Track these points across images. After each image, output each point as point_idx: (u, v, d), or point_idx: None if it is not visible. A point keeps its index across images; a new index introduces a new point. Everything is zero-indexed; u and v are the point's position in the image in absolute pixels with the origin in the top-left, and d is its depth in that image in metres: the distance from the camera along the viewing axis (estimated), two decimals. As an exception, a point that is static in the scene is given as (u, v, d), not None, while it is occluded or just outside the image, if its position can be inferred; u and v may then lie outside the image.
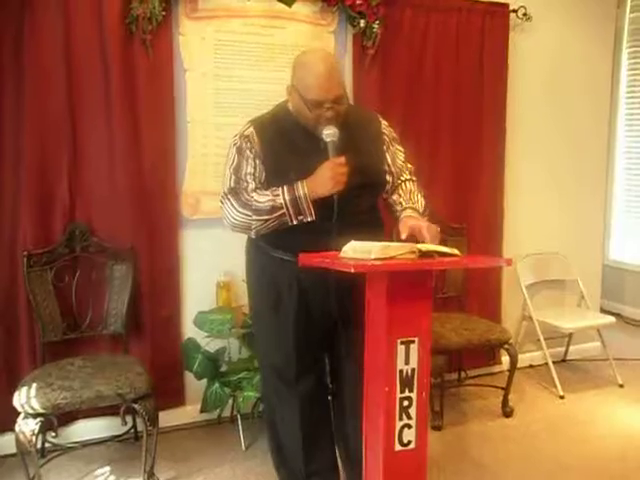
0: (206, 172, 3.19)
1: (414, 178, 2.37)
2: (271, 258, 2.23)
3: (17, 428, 2.46)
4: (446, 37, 3.66)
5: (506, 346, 3.43)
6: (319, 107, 2.06)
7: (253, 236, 2.20)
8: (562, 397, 3.71)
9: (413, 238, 2.02)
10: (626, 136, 5.39)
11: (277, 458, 2.48)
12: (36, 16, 2.81)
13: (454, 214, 3.75)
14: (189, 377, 3.22)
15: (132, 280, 3.01)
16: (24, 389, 2.48)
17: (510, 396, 3.49)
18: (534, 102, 4.01)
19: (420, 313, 1.87)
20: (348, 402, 2.30)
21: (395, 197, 2.29)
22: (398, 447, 1.86)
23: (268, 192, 2.11)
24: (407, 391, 1.86)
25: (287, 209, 2.07)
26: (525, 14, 3.84)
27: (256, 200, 2.11)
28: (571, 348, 4.29)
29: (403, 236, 2.03)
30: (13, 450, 2.60)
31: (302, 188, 2.06)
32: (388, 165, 2.30)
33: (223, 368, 3.19)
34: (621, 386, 3.87)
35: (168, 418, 3.14)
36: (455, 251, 1.91)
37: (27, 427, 2.41)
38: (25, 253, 2.81)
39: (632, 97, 5.32)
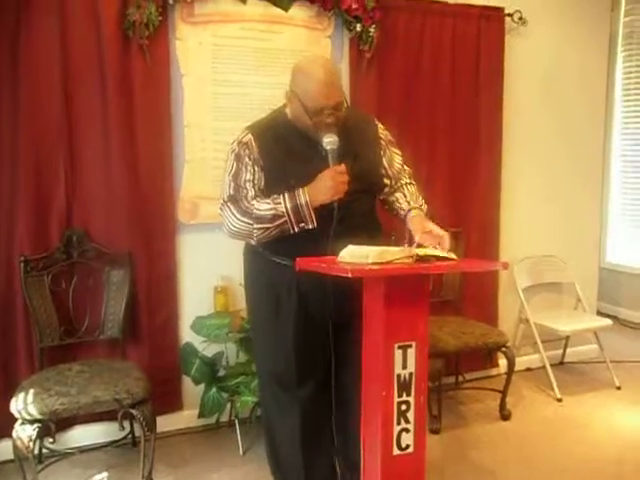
0: (203, 177, 3.19)
1: (413, 182, 2.38)
2: (269, 263, 2.23)
3: (14, 434, 2.45)
4: (442, 41, 3.67)
5: (503, 349, 3.43)
6: (319, 114, 2.07)
7: (254, 243, 2.20)
8: (560, 400, 3.71)
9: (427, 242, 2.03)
10: (622, 139, 5.41)
11: (275, 464, 2.47)
12: (32, 22, 2.81)
13: (451, 218, 3.74)
14: (187, 382, 3.22)
15: (129, 285, 3.01)
16: (21, 395, 2.48)
17: (508, 399, 3.49)
18: (530, 105, 4.03)
19: (417, 317, 1.88)
20: (347, 407, 2.29)
21: (399, 195, 2.32)
22: (396, 451, 1.87)
23: (269, 200, 2.11)
24: (405, 395, 1.87)
25: (289, 217, 2.08)
26: (520, 18, 3.85)
27: (257, 208, 2.11)
28: (568, 351, 4.30)
29: (417, 237, 2.05)
30: (10, 456, 2.61)
31: (303, 196, 2.07)
32: (385, 168, 2.31)
33: (221, 373, 3.19)
34: (618, 388, 3.88)
35: (166, 423, 3.13)
36: (452, 255, 1.92)
37: (24, 433, 2.41)
38: (22, 259, 2.81)
39: (627, 100, 5.34)
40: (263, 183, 2.17)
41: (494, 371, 4.04)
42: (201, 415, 3.16)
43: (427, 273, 1.91)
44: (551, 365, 3.92)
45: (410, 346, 1.86)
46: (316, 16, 3.34)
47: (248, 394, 3.01)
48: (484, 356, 3.89)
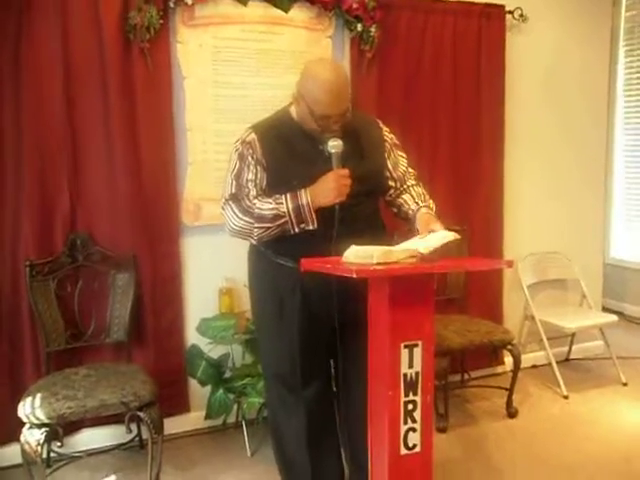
0: (206, 179, 3.19)
1: (420, 184, 2.38)
2: (273, 264, 2.23)
3: (22, 438, 2.46)
4: (443, 39, 3.67)
5: (509, 347, 3.43)
6: (325, 120, 2.08)
7: (254, 242, 2.21)
8: (566, 397, 3.71)
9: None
10: (624, 134, 5.40)
11: (282, 464, 2.48)
12: (34, 26, 2.82)
13: (454, 216, 3.73)
14: (193, 384, 3.23)
15: (134, 288, 3.02)
16: (29, 399, 2.48)
17: (514, 397, 3.49)
18: (532, 102, 4.02)
19: (423, 316, 1.88)
20: (353, 406, 2.30)
21: (406, 197, 2.32)
22: (404, 451, 1.87)
23: (271, 200, 2.12)
24: (411, 395, 1.87)
25: (290, 217, 2.08)
26: (521, 15, 3.85)
27: (258, 207, 2.12)
28: (574, 347, 4.29)
29: (419, 237, 2.07)
30: (19, 460, 2.61)
31: (305, 197, 2.08)
32: (389, 171, 2.31)
33: (227, 374, 3.19)
34: (625, 384, 3.87)
35: (173, 425, 3.14)
36: (450, 234, 1.93)
37: (32, 437, 2.42)
38: (27, 263, 2.81)
39: (629, 95, 5.33)
40: (265, 183, 2.18)
41: (500, 369, 4.03)
42: (208, 417, 3.16)
43: (431, 272, 1.91)
44: (557, 362, 3.91)
45: (416, 345, 1.86)
46: (317, 17, 3.35)
47: (255, 395, 3.01)
48: (490, 354, 3.89)
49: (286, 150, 2.17)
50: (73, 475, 2.91)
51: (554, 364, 3.86)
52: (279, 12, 3.26)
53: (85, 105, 2.96)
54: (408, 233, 2.26)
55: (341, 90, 2.09)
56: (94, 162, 3.01)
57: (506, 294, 4.04)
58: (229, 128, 3.12)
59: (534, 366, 4.15)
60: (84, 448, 3.08)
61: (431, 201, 2.34)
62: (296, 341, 2.25)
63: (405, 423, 1.86)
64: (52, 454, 2.96)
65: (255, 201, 2.14)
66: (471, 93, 3.78)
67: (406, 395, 1.86)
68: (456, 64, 3.72)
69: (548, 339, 3.90)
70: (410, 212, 2.27)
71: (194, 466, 2.98)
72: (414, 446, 1.88)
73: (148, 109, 3.05)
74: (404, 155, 2.38)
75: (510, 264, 2.10)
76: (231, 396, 3.11)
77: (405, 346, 1.85)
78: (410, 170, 2.38)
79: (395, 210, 2.36)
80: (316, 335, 2.25)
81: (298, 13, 3.30)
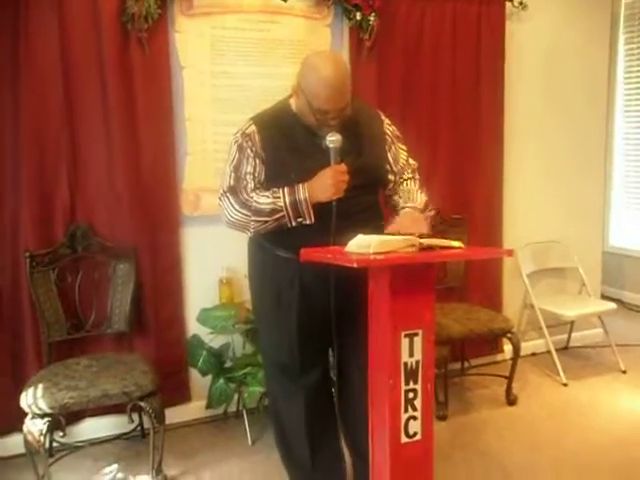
0: (206, 169, 3.19)
1: (416, 176, 2.38)
2: (272, 255, 2.23)
3: (25, 428, 2.48)
4: (442, 27, 3.66)
5: (509, 335, 3.44)
6: (323, 114, 2.07)
7: (250, 235, 2.21)
8: (565, 384, 3.73)
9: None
10: (624, 122, 5.40)
11: (284, 451, 2.49)
12: (32, 16, 2.80)
13: (454, 205, 3.75)
14: (194, 373, 3.24)
15: (134, 279, 3.02)
16: (31, 390, 2.50)
17: (513, 384, 3.51)
18: (531, 90, 4.02)
19: (423, 305, 1.88)
20: (353, 394, 2.31)
21: (396, 198, 2.32)
22: (404, 439, 1.87)
23: (268, 193, 2.12)
24: (412, 383, 1.87)
25: (287, 212, 2.09)
26: (521, 3, 3.83)
27: (256, 201, 2.12)
28: (573, 335, 4.31)
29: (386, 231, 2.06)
30: (22, 450, 2.63)
31: (303, 191, 2.07)
32: (390, 164, 2.30)
33: (228, 364, 3.21)
34: (624, 372, 3.89)
35: (174, 415, 3.15)
36: (455, 243, 1.92)
37: (35, 427, 2.43)
38: (27, 254, 2.82)
39: (629, 82, 5.32)
40: (263, 176, 2.18)
41: (499, 357, 4.05)
42: (209, 406, 3.18)
43: (432, 261, 1.91)
44: (556, 350, 3.93)
45: (416, 334, 1.86)
46: (315, 5, 3.33)
47: (255, 384, 3.03)
48: (489, 342, 3.91)
49: (285, 143, 2.16)
50: (75, 464, 2.93)
51: (553, 352, 3.88)
52: (278, 1, 3.24)
53: (83, 95, 2.95)
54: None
55: (341, 86, 2.07)
56: (93, 153, 3.01)
57: (506, 282, 4.05)
58: (228, 118, 3.12)
59: (533, 354, 4.17)
60: (86, 438, 3.10)
61: (420, 196, 2.31)
62: (294, 331, 2.26)
63: (406, 411, 1.87)
64: (54, 444, 2.98)
65: (253, 194, 2.14)
66: (470, 81, 3.77)
67: (406, 383, 1.86)
68: (455, 52, 3.71)
69: (547, 327, 3.92)
70: (397, 211, 2.27)
71: (195, 455, 3.00)
72: (415, 434, 1.89)
73: (147, 99, 3.04)
74: (404, 148, 2.37)
75: (510, 253, 2.09)
76: (232, 385, 3.13)
77: (405, 335, 1.85)
78: (411, 162, 2.38)
79: (392, 207, 2.36)
80: (314, 325, 2.25)
81: (297, 2, 3.29)
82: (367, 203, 2.22)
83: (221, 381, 3.13)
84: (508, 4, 3.81)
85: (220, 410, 3.29)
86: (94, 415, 3.06)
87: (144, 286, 3.11)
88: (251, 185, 2.16)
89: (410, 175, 2.36)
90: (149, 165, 3.08)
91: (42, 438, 2.42)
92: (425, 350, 1.88)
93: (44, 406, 2.42)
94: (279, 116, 2.22)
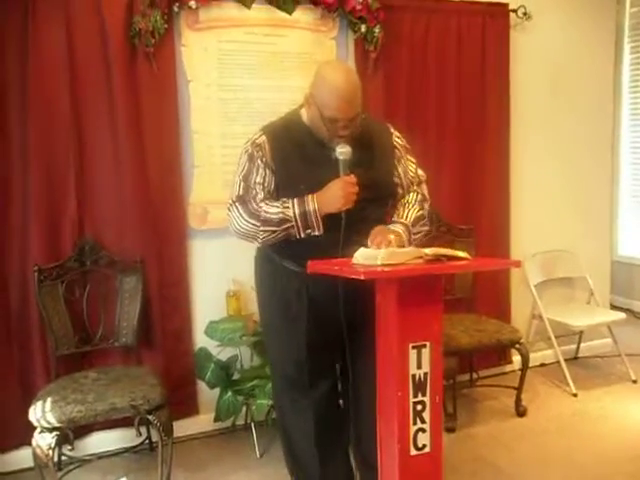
0: (213, 182, 3.21)
1: (421, 190, 2.37)
2: (280, 268, 2.24)
3: (34, 442, 2.48)
4: (447, 38, 3.67)
5: (517, 346, 3.43)
6: (334, 124, 2.08)
7: (259, 245, 2.21)
8: (575, 395, 3.70)
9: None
10: (630, 131, 5.39)
11: (292, 464, 2.49)
12: (39, 32, 2.83)
13: (461, 215, 3.75)
14: (202, 386, 3.24)
15: (142, 292, 3.03)
16: (39, 403, 2.50)
17: (523, 395, 3.49)
18: (537, 101, 4.02)
19: (431, 317, 1.88)
20: (361, 407, 2.30)
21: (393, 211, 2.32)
22: (413, 451, 1.87)
23: (278, 204, 2.12)
24: (420, 395, 1.87)
25: (296, 222, 2.09)
26: (525, 13, 3.84)
27: (265, 211, 2.12)
28: (582, 345, 4.28)
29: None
30: (31, 464, 2.64)
31: (312, 203, 2.08)
32: (399, 178, 2.31)
33: (235, 376, 3.20)
34: (634, 382, 3.86)
35: (182, 427, 3.15)
36: (462, 254, 1.92)
37: (44, 441, 2.44)
38: (36, 268, 2.83)
39: (635, 92, 5.31)
40: (273, 187, 2.18)
41: (508, 368, 4.03)
42: (217, 419, 3.17)
43: (439, 273, 1.91)
44: (565, 360, 3.91)
45: (424, 346, 1.86)
46: (320, 18, 3.35)
47: (263, 397, 3.02)
48: (498, 353, 3.90)
49: (295, 153, 2.17)
50: (84, 478, 2.93)
51: (562, 362, 3.85)
52: (283, 14, 3.26)
53: (91, 110, 2.97)
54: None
55: (352, 95, 2.08)
56: (101, 167, 3.03)
57: (514, 293, 4.03)
58: (235, 131, 3.13)
59: (542, 364, 4.15)
60: (95, 451, 3.10)
61: (413, 210, 2.28)
62: (303, 344, 2.25)
63: (414, 424, 1.87)
64: (63, 457, 2.98)
65: (262, 204, 2.14)
66: (476, 92, 3.77)
67: (415, 396, 1.86)
68: (460, 63, 3.72)
69: (556, 337, 3.89)
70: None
71: (204, 468, 2.99)
72: (424, 446, 1.88)
73: (154, 113, 3.06)
74: (413, 160, 2.37)
75: (518, 264, 2.10)
76: (240, 398, 3.12)
77: (413, 347, 1.85)
78: (419, 173, 2.38)
79: None
80: (323, 337, 2.25)
81: (302, 15, 3.31)
82: (375, 216, 2.22)
83: (229, 394, 3.13)
84: (512, 14, 3.83)
85: (228, 423, 3.28)
86: (102, 429, 3.06)
87: (152, 299, 3.12)
88: (260, 195, 2.16)
89: (415, 188, 2.36)
90: (156, 179, 3.10)
91: (51, 452, 2.42)
92: (433, 362, 1.88)
93: (52, 420, 2.42)
94: (290, 127, 2.23)
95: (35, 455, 2.50)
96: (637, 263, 5.39)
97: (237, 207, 2.18)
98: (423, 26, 3.60)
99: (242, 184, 2.19)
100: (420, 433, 1.88)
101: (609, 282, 4.50)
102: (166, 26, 2.99)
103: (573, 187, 4.20)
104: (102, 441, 3.11)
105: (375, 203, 2.21)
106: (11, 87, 2.84)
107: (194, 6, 3.05)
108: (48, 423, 2.43)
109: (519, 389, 3.47)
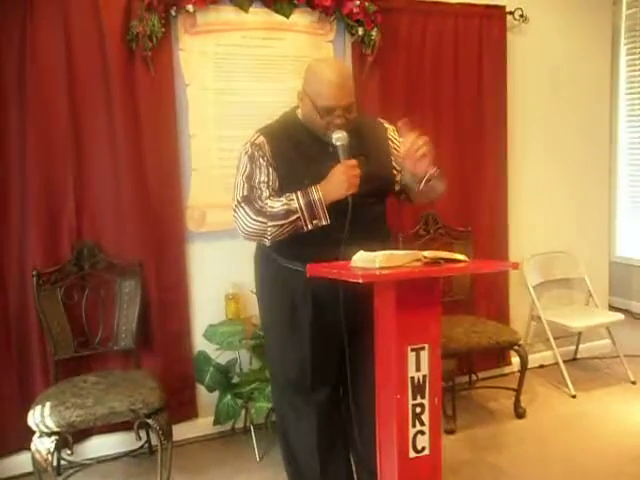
0: (211, 185, 3.21)
1: None
2: (283, 269, 2.22)
3: (33, 447, 2.49)
4: (444, 41, 3.68)
5: (516, 347, 3.43)
6: (329, 114, 2.09)
7: (268, 244, 2.18)
8: (574, 396, 3.70)
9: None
10: (628, 132, 5.40)
11: (291, 468, 2.48)
12: (38, 36, 2.84)
13: (459, 217, 3.76)
14: (201, 390, 3.24)
15: (141, 295, 3.03)
16: (38, 408, 2.50)
17: (522, 397, 3.49)
18: (534, 103, 4.03)
19: (429, 319, 1.88)
20: (363, 410, 2.30)
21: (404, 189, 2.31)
22: (412, 454, 1.86)
23: (282, 198, 2.12)
24: (419, 398, 1.86)
25: (302, 213, 2.08)
26: (522, 15, 3.86)
27: (270, 206, 2.11)
28: (581, 346, 4.29)
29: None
30: (30, 469, 2.64)
31: (316, 192, 2.08)
32: (396, 169, 2.31)
33: (235, 380, 3.20)
34: (633, 383, 3.86)
35: (182, 431, 3.15)
36: (460, 256, 1.92)
37: (43, 446, 2.44)
38: (34, 272, 2.83)
39: (632, 93, 5.33)
40: (277, 185, 2.18)
41: (507, 369, 4.03)
42: (216, 422, 3.17)
43: (437, 276, 1.91)
44: (564, 361, 3.91)
45: (423, 348, 1.86)
46: (318, 21, 3.36)
47: (263, 400, 3.02)
48: (497, 355, 3.90)
49: (295, 151, 2.18)
50: (83, 483, 2.93)
51: (561, 364, 3.86)
52: (280, 18, 3.27)
53: (89, 114, 2.98)
54: (413, 236, 2.26)
55: (343, 81, 2.11)
56: (99, 171, 3.03)
57: (512, 294, 4.04)
58: (232, 134, 3.14)
59: (541, 366, 4.15)
60: (94, 455, 3.09)
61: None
62: (307, 347, 2.24)
63: (413, 426, 1.86)
64: (62, 462, 2.98)
65: (267, 201, 2.13)
66: (473, 95, 3.78)
67: (414, 398, 1.86)
68: (457, 66, 3.73)
69: (555, 339, 3.90)
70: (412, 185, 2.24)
71: (203, 472, 2.99)
72: (423, 449, 1.88)
73: (152, 116, 3.07)
74: None
75: (516, 266, 2.09)
76: (239, 401, 3.12)
77: (412, 349, 1.85)
78: None
79: (404, 196, 2.35)
80: (327, 339, 2.24)
81: (299, 18, 3.32)
82: (377, 212, 2.23)
83: (228, 397, 3.13)
84: (509, 17, 3.84)
85: (227, 426, 3.28)
86: (101, 433, 3.06)
87: (150, 303, 3.12)
88: (266, 193, 2.16)
89: None
90: (154, 182, 3.10)
91: (50, 456, 2.43)
92: (432, 364, 1.87)
93: (51, 424, 2.42)
94: (287, 126, 2.24)
95: (34, 460, 2.50)
96: (635, 264, 5.40)
97: (243, 207, 2.16)
98: (420, 29, 3.61)
99: (245, 185, 2.18)
100: (419, 435, 1.87)
101: (607, 283, 4.50)
102: (163, 30, 2.99)
103: (571, 188, 4.21)
104: (101, 445, 3.11)
105: (374, 198, 2.21)
106: (10, 92, 2.84)
107: (191, 10, 3.06)
108: (47, 427, 2.43)
109: (518, 391, 3.47)
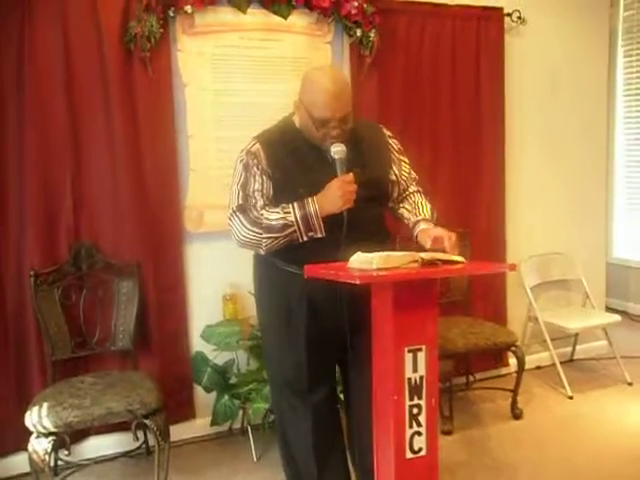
0: (208, 186, 3.21)
1: (420, 189, 2.39)
2: (280, 272, 2.22)
3: (30, 447, 2.48)
4: (442, 43, 3.69)
5: (513, 348, 3.44)
6: (324, 125, 2.08)
7: (263, 253, 2.20)
8: (571, 397, 3.71)
9: (438, 247, 2.04)
10: (625, 133, 5.41)
11: (289, 469, 2.48)
12: (36, 38, 2.84)
13: (456, 219, 3.74)
14: (199, 390, 3.24)
15: (138, 296, 3.03)
16: (35, 408, 2.50)
17: (519, 398, 3.49)
18: (532, 104, 4.03)
19: (426, 321, 1.89)
20: (360, 411, 2.30)
21: (402, 211, 2.33)
22: (409, 455, 1.87)
23: (278, 209, 2.12)
24: (416, 399, 1.87)
25: (298, 226, 2.08)
26: (519, 17, 3.86)
27: (266, 218, 2.12)
28: (578, 348, 4.29)
29: (428, 245, 2.08)
30: (27, 469, 2.62)
31: (312, 205, 2.08)
32: (396, 176, 2.32)
33: (232, 380, 3.20)
34: (630, 384, 3.87)
35: (179, 432, 3.15)
36: (457, 258, 1.92)
37: (40, 446, 2.44)
38: (32, 273, 2.82)
39: (629, 95, 5.35)
40: (271, 193, 2.18)
41: (504, 370, 4.04)
42: (214, 423, 3.17)
43: (435, 277, 1.92)
44: (561, 363, 3.92)
45: (420, 349, 1.87)
46: (316, 23, 3.36)
47: (260, 401, 3.02)
48: (494, 355, 3.90)
49: (291, 159, 2.17)
50: (81, 483, 2.93)
51: (558, 365, 3.87)
52: (278, 19, 3.27)
53: (87, 115, 2.98)
54: (410, 240, 2.27)
55: (339, 92, 2.09)
56: (97, 171, 3.03)
57: (509, 295, 4.05)
58: (230, 135, 3.14)
59: (538, 367, 4.16)
60: (91, 456, 3.09)
61: (428, 208, 2.33)
62: (303, 348, 2.25)
63: (410, 427, 1.87)
64: (59, 462, 2.97)
65: (263, 212, 2.14)
66: (471, 96, 3.79)
67: (411, 399, 1.86)
68: (455, 67, 3.74)
69: (552, 340, 3.91)
70: (410, 225, 2.29)
71: (201, 472, 2.99)
72: (420, 450, 1.88)
73: (150, 117, 3.07)
74: (407, 160, 2.38)
75: (513, 267, 2.10)
76: (236, 402, 3.12)
77: (409, 350, 1.85)
78: (413, 175, 2.39)
79: (397, 216, 2.37)
80: (323, 341, 2.25)
81: (297, 19, 3.32)
82: (373, 217, 2.23)
83: (226, 398, 3.13)
84: (507, 19, 3.84)
85: (225, 427, 3.29)
86: (99, 433, 3.06)
87: (148, 303, 3.12)
88: (260, 203, 2.16)
89: (415, 188, 2.37)
90: (152, 182, 3.10)
91: (47, 457, 2.43)
92: (429, 365, 1.88)
93: (49, 425, 2.42)
94: (283, 133, 2.24)
95: (31, 460, 2.49)
96: (632, 265, 5.42)
97: (238, 216, 2.17)
98: (418, 30, 3.62)
99: (241, 193, 2.19)
100: (416, 436, 1.88)
101: (604, 284, 4.51)
102: (162, 31, 2.99)
103: (568, 190, 4.22)
104: (99, 446, 3.11)
105: (372, 203, 2.21)
106: (8, 92, 2.84)
107: (190, 11, 3.06)
108: (44, 428, 2.43)
109: (515, 392, 3.48)
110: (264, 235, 2.12)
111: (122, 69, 2.99)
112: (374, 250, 1.85)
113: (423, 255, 1.85)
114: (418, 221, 2.26)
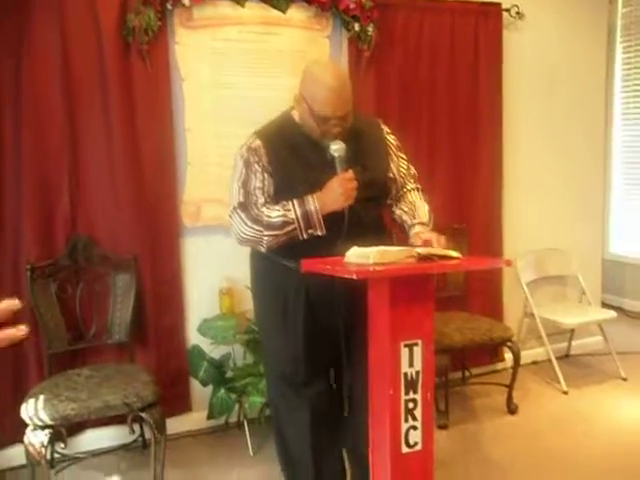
0: (206, 180, 3.21)
1: (418, 186, 2.39)
2: (278, 266, 2.22)
3: (26, 440, 2.48)
4: (440, 38, 3.68)
5: (509, 344, 3.45)
6: (325, 123, 2.08)
7: (264, 250, 2.19)
8: (566, 392, 3.72)
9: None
10: (623, 129, 5.42)
11: (285, 462, 2.49)
12: (34, 31, 2.83)
13: (454, 214, 3.77)
14: (195, 384, 3.24)
15: (135, 289, 3.03)
16: (32, 401, 2.50)
17: (514, 393, 3.51)
18: (530, 100, 4.04)
19: (423, 316, 1.89)
20: (356, 406, 2.31)
21: (399, 212, 2.32)
22: (405, 449, 1.88)
23: (279, 207, 2.12)
24: (412, 393, 1.88)
25: (298, 224, 2.08)
26: (518, 12, 3.86)
27: (267, 215, 2.12)
28: (573, 343, 4.31)
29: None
30: (23, 462, 2.63)
31: (313, 203, 2.08)
32: (393, 173, 2.31)
33: (228, 374, 3.21)
34: (624, 379, 3.89)
35: (175, 425, 3.15)
36: (454, 253, 1.93)
37: (36, 439, 2.43)
38: (28, 266, 2.82)
39: (627, 91, 5.34)
40: (272, 190, 2.17)
41: (500, 365, 4.05)
42: (210, 416, 3.18)
43: (431, 272, 1.92)
44: (557, 358, 3.93)
45: (416, 344, 1.87)
46: (314, 17, 3.36)
47: (256, 395, 3.03)
48: (490, 351, 3.92)
49: (291, 156, 2.17)
50: (77, 476, 2.94)
51: (554, 360, 3.88)
52: (277, 13, 3.26)
53: (85, 108, 2.97)
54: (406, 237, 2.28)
55: (341, 89, 2.08)
56: (94, 165, 3.03)
57: (506, 291, 4.05)
58: (228, 129, 3.14)
59: (534, 362, 4.17)
60: (88, 449, 3.10)
61: (424, 208, 2.32)
62: (300, 341, 2.25)
63: (406, 421, 1.88)
64: (56, 455, 2.97)
65: (263, 209, 2.13)
66: (468, 91, 3.79)
67: (407, 394, 1.87)
68: (453, 62, 3.73)
69: (548, 335, 3.92)
70: (406, 229, 2.28)
71: (197, 466, 3.00)
72: (415, 444, 1.89)
73: (147, 110, 3.06)
74: (404, 157, 2.37)
75: (509, 263, 2.11)
76: (233, 396, 3.13)
77: (405, 345, 1.86)
78: (411, 171, 2.39)
79: (394, 218, 2.37)
80: (320, 335, 2.25)
81: (296, 13, 3.31)
82: (373, 214, 2.23)
83: (222, 391, 3.13)
84: (505, 14, 3.84)
85: (221, 420, 3.29)
86: (95, 426, 3.06)
87: (145, 297, 3.12)
88: (261, 200, 2.16)
89: (413, 185, 2.37)
90: (150, 176, 3.10)
91: (43, 449, 2.42)
92: (425, 360, 1.89)
93: (45, 417, 2.42)
94: (283, 129, 2.23)
95: (28, 453, 2.50)
96: (628, 261, 5.43)
97: (239, 213, 2.17)
98: (416, 25, 3.61)
99: (241, 190, 2.18)
100: (412, 431, 1.88)
101: (600, 280, 4.53)
102: (160, 24, 2.99)
103: (565, 185, 4.23)
104: (95, 439, 3.12)
105: (372, 200, 2.21)
106: (5, 86, 2.83)
107: (188, 4, 3.05)
108: (41, 421, 2.43)
109: (511, 387, 3.49)
110: (265, 233, 2.12)
111: (120, 62, 2.98)
112: (372, 245, 1.85)
113: (420, 250, 1.85)
114: (414, 224, 2.26)
